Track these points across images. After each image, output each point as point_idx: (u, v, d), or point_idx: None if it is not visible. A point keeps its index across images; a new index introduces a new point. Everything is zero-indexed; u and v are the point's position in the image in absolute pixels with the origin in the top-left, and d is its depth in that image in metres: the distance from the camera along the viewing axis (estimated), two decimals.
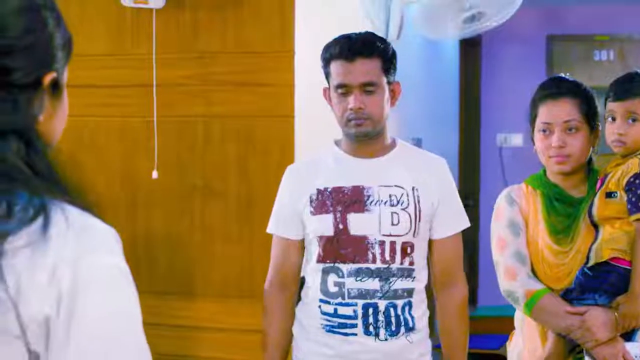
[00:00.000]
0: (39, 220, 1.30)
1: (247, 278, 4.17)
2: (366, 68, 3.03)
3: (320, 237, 3.10)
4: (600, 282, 3.00)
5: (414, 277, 3.11)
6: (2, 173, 1.31)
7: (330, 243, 3.09)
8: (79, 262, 1.32)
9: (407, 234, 3.08)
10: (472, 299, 7.77)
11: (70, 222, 1.33)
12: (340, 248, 3.07)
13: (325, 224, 3.08)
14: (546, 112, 3.13)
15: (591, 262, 3.01)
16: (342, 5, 4.45)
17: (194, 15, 4.23)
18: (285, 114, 4.10)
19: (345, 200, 3.08)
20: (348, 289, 3.06)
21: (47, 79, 1.41)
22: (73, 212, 1.36)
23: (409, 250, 3.09)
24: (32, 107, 1.38)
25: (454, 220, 3.21)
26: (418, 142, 5.87)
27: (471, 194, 8.05)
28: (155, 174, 4.24)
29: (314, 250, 3.14)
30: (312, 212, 3.12)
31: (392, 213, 3.06)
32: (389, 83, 3.10)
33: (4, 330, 1.25)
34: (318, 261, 3.12)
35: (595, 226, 3.07)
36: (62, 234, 1.31)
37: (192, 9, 4.23)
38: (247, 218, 4.19)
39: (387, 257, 3.06)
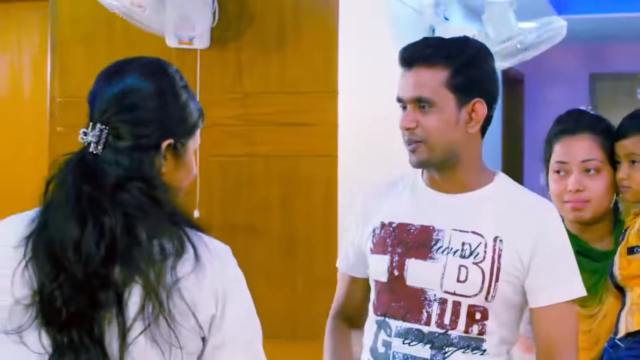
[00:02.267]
0: (190, 251, 1.84)
1: (290, 319, 4.16)
2: (421, 79, 2.40)
3: (376, 282, 2.53)
4: (636, 356, 2.54)
5: (484, 351, 2.40)
6: (135, 206, 1.82)
7: (383, 292, 2.50)
8: (224, 276, 1.93)
9: (476, 295, 2.38)
10: None
11: (209, 248, 1.91)
12: (393, 300, 2.46)
13: (380, 267, 2.49)
14: (562, 150, 2.74)
15: (621, 333, 2.57)
16: (385, 45, 4.45)
17: (238, 55, 4.25)
18: (328, 154, 4.10)
19: (408, 242, 2.46)
20: (394, 352, 2.45)
21: (164, 144, 1.89)
22: (202, 237, 1.92)
23: (477, 316, 2.39)
24: (152, 163, 1.88)
25: (557, 284, 2.42)
26: None
27: None
28: (196, 213, 4.25)
29: (371, 296, 2.58)
30: (371, 250, 2.54)
31: (460, 266, 2.40)
32: (461, 101, 2.41)
33: (192, 329, 1.81)
34: (373, 311, 2.55)
35: (620, 289, 2.63)
36: (209, 258, 1.88)
37: (236, 49, 4.26)
38: (290, 257, 4.18)
39: (446, 321, 2.39)
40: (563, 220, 2.64)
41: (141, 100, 1.90)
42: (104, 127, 1.87)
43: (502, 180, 2.52)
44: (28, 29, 5.31)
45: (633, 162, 2.68)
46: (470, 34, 4.75)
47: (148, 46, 4.34)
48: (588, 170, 2.70)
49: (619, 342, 2.58)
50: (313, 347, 4.05)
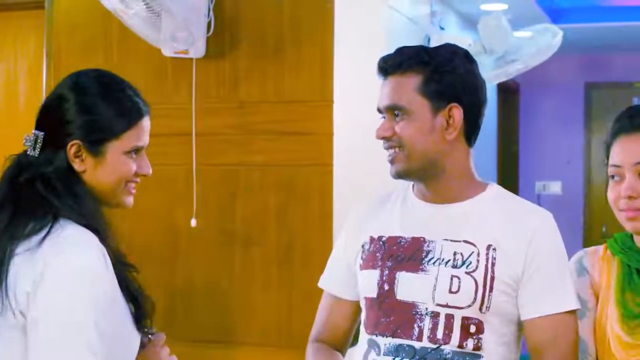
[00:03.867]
0: (42, 233, 2.00)
1: (286, 327, 4.16)
2: (395, 87, 2.34)
3: (366, 299, 2.40)
4: None
5: None
6: (34, 199, 2.06)
7: (373, 308, 2.37)
8: (54, 259, 1.98)
9: (469, 306, 2.25)
10: None
11: (61, 235, 2.01)
12: (382, 316, 2.33)
13: (370, 282, 2.37)
14: (617, 152, 2.34)
15: None
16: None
17: (234, 65, 4.26)
18: (324, 163, 4.11)
19: (399, 255, 2.35)
20: None
21: (69, 145, 2.09)
22: (69, 228, 2.02)
23: (472, 329, 2.26)
24: (53, 162, 2.09)
25: (551, 296, 2.29)
26: None
27: None
28: (194, 222, 4.26)
29: (362, 315, 2.45)
30: (361, 266, 2.42)
31: (452, 277, 2.28)
32: (436, 107, 2.32)
33: (13, 300, 1.97)
34: (364, 330, 2.41)
35: None
36: (51, 242, 1.99)
37: (232, 58, 4.26)
38: (286, 266, 4.18)
39: (439, 335, 2.26)
40: (631, 237, 2.37)
41: (49, 107, 2.14)
42: (36, 132, 2.14)
43: (496, 190, 2.44)
44: (24, 37, 5.31)
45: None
46: (465, 44, 4.77)
47: (144, 55, 4.35)
48: None
49: None
50: None
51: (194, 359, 4.23)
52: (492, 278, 2.27)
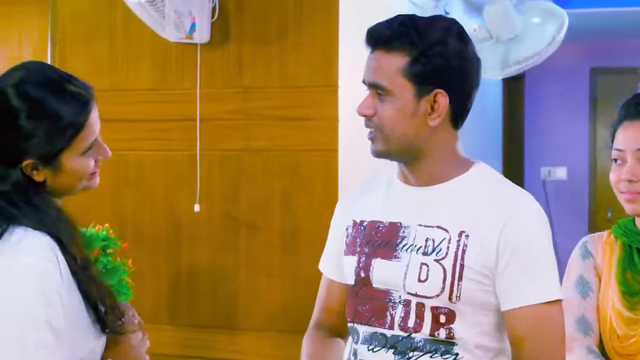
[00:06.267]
0: None
1: (291, 312, 4.16)
2: (379, 64, 2.20)
3: (348, 286, 2.35)
4: None
5: (457, 355, 2.17)
6: None
7: (351, 296, 2.32)
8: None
9: (437, 295, 2.16)
10: None
11: (11, 239, 1.98)
12: (360, 304, 2.28)
13: (349, 269, 2.31)
14: (621, 137, 2.47)
15: None
16: None
17: (238, 50, 4.26)
18: (329, 148, 4.10)
19: (376, 241, 2.26)
20: None
21: (24, 164, 2.04)
22: (21, 233, 1.99)
23: (442, 319, 2.16)
24: (18, 178, 2.04)
25: (530, 285, 2.14)
26: None
27: None
28: (197, 207, 4.26)
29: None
30: (344, 251, 2.36)
31: (421, 264, 2.18)
32: (420, 92, 2.18)
33: None
34: (347, 317, 2.35)
35: None
36: (2, 245, 1.97)
37: (236, 44, 4.26)
38: (290, 251, 4.18)
39: (410, 324, 2.18)
40: (634, 221, 2.49)
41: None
42: None
43: (479, 170, 2.28)
44: (28, 25, 5.30)
45: None
46: (471, 29, 4.75)
47: (148, 41, 4.35)
48: None
49: None
50: None
51: (197, 344, 4.24)
52: (462, 266, 2.13)
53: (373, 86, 2.20)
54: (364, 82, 2.24)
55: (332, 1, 4.09)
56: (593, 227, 7.57)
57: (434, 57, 2.16)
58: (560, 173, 8.20)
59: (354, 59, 4.19)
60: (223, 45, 4.26)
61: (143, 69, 4.42)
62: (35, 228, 2.01)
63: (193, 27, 4.09)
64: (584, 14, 7.19)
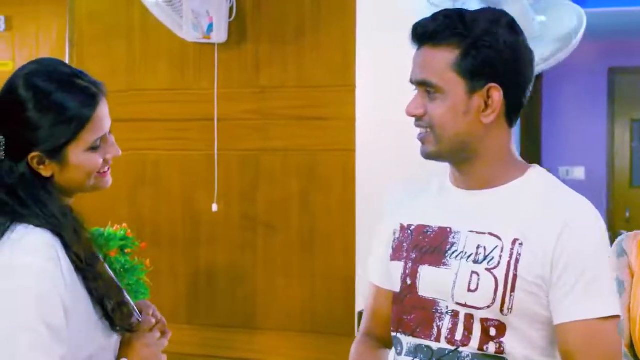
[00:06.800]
0: None
1: (308, 312, 4.16)
2: (427, 61, 2.07)
3: (393, 293, 2.21)
4: None
5: None
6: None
7: (396, 304, 2.19)
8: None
9: (488, 307, 2.03)
10: None
11: (11, 237, 1.98)
12: (404, 313, 2.15)
13: (394, 275, 2.18)
14: None
15: None
16: (403, 38, 4.45)
17: (256, 50, 4.26)
18: (346, 148, 4.10)
19: (424, 246, 2.13)
20: None
21: (30, 157, 2.04)
22: (22, 231, 1.99)
23: (492, 332, 2.03)
24: (14, 171, 2.05)
25: (584, 298, 1.99)
26: None
27: None
28: (215, 207, 4.26)
29: None
30: (390, 256, 2.22)
31: (472, 273, 2.05)
32: (472, 87, 2.05)
33: None
34: (391, 326, 2.22)
35: None
36: (2, 243, 1.98)
37: (253, 43, 4.26)
38: (308, 251, 4.18)
39: (458, 336, 2.05)
40: None
41: (6, 113, 2.07)
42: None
43: (535, 174, 2.15)
44: (47, 24, 5.32)
45: None
46: None
47: (166, 41, 4.36)
48: None
49: None
50: (330, 340, 4.06)
51: (215, 343, 4.25)
52: (515, 276, 2.00)
53: (422, 84, 2.06)
54: (411, 81, 2.11)
55: (349, 1, 4.08)
56: (611, 227, 7.54)
57: (485, 49, 2.03)
58: (578, 173, 8.17)
59: (371, 59, 4.19)
60: (240, 45, 4.27)
61: (160, 69, 4.43)
62: (38, 225, 2.01)
63: (211, 27, 4.09)
64: (603, 13, 7.17)
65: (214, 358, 4.29)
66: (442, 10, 2.10)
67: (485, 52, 2.03)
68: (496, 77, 2.05)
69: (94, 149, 2.08)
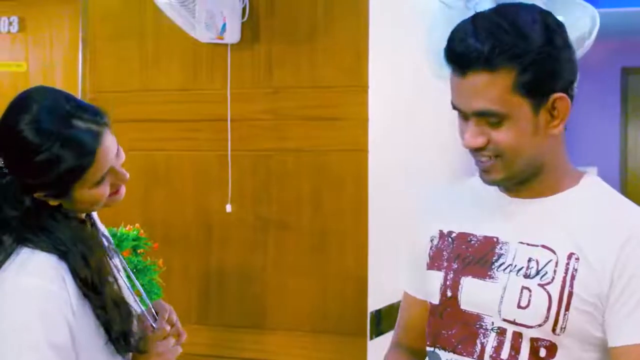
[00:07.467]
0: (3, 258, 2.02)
1: (320, 313, 4.16)
2: (481, 88, 1.86)
3: (430, 305, 2.10)
4: None
5: None
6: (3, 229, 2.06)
7: (434, 316, 2.07)
8: (2, 278, 1.99)
9: (539, 325, 1.88)
10: None
11: (16, 260, 2.01)
12: (444, 327, 2.02)
13: (433, 286, 2.06)
14: None
15: None
16: (416, 39, 4.45)
17: (268, 50, 4.26)
18: (359, 148, 4.09)
19: (468, 256, 2.01)
20: None
21: (38, 195, 2.07)
22: (27, 253, 2.02)
23: (542, 353, 1.88)
24: (30, 204, 2.07)
25: None
26: None
27: None
28: (229, 208, 4.26)
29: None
30: (427, 264, 2.11)
31: (522, 288, 1.91)
32: (537, 104, 1.89)
33: None
34: (427, 340, 2.11)
35: None
36: (7, 265, 2.01)
37: (266, 44, 4.26)
38: (320, 252, 4.18)
39: (504, 356, 1.91)
40: None
41: (11, 148, 2.08)
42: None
43: (591, 183, 2.03)
44: (60, 25, 5.33)
45: None
46: None
47: (178, 42, 4.36)
48: None
49: None
50: (342, 341, 4.06)
51: (227, 344, 4.25)
52: (570, 294, 1.86)
53: (481, 115, 1.89)
54: (456, 109, 1.94)
55: (362, 1, 4.08)
56: None
57: (546, 61, 1.87)
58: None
59: (384, 59, 4.19)
60: (253, 45, 4.27)
61: (173, 69, 4.43)
62: (44, 249, 2.04)
63: (224, 27, 4.09)
64: (616, 13, 7.15)
65: (225, 358, 4.29)
66: (477, 23, 1.89)
67: (544, 65, 1.87)
68: (557, 85, 1.91)
69: (99, 182, 2.09)
